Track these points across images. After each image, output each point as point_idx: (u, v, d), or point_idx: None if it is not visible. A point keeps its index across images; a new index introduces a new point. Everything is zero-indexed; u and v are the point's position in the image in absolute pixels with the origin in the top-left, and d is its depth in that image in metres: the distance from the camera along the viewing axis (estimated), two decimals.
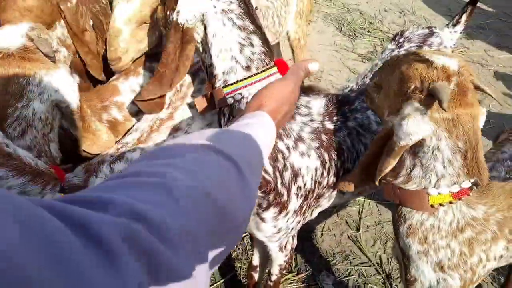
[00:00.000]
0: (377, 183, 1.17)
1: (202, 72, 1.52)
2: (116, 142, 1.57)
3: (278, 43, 2.99)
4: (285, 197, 1.38)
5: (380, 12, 4.92)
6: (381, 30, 4.54)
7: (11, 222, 0.30)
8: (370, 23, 4.66)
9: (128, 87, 1.78)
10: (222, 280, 2.20)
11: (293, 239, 1.65)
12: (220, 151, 0.64)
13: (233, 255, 2.32)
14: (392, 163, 1.11)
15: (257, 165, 0.73)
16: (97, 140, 1.46)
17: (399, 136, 1.06)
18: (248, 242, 2.38)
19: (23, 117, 1.26)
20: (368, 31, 4.51)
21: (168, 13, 1.25)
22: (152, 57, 1.83)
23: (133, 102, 1.70)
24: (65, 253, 0.32)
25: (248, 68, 1.24)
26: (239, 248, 2.36)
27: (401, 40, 1.75)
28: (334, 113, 1.42)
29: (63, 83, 1.29)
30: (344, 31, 4.48)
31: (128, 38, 1.65)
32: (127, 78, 1.79)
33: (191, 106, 1.50)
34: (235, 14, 1.21)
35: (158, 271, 0.42)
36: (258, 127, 0.80)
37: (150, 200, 0.47)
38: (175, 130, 1.48)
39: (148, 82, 1.35)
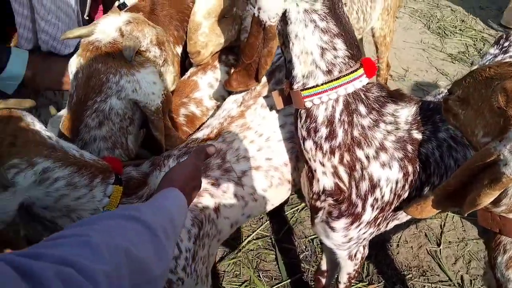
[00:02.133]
0: (465, 215, 0.97)
1: (279, 73, 1.41)
2: (189, 135, 1.51)
3: (360, 39, 2.78)
4: (359, 209, 1.25)
5: (475, 9, 4.41)
6: (475, 29, 4.05)
7: None
8: (463, 21, 4.19)
9: (206, 83, 1.72)
10: (289, 280, 2.07)
11: (364, 248, 1.52)
12: (137, 219, 0.77)
13: (301, 256, 2.18)
14: (494, 195, 0.90)
15: (171, 230, 0.84)
16: (177, 136, 1.43)
17: (511, 166, 0.85)
18: (317, 244, 2.22)
19: (101, 110, 1.24)
20: (460, 29, 4.06)
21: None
22: (228, 51, 1.75)
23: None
24: (5, 281, 0.48)
25: (329, 72, 1.11)
26: (307, 250, 2.21)
27: (506, 44, 1.46)
28: (424, 122, 1.22)
29: (143, 84, 1.24)
30: (433, 29, 4.07)
31: (207, 32, 1.58)
32: (205, 73, 1.73)
33: (264, 106, 1.38)
34: (319, 15, 1.07)
35: None
36: (170, 198, 0.93)
37: (78, 253, 0.62)
38: (246, 128, 1.37)
39: (235, 70, 1.30)
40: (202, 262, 1.30)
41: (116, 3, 1.92)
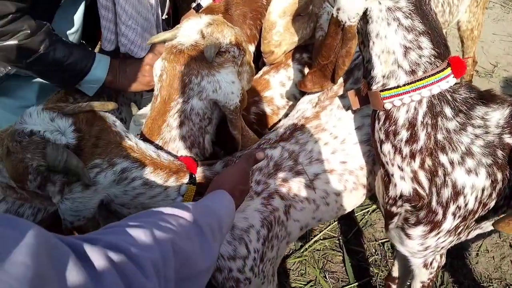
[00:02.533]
0: None
1: (358, 71, 1.36)
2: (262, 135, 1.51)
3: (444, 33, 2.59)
4: (439, 216, 1.17)
5: None
6: None
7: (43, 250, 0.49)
8: None
9: (278, 81, 1.71)
10: (356, 283, 2.01)
11: (441, 257, 1.43)
12: (185, 216, 0.81)
13: (370, 260, 2.10)
14: None
15: (218, 230, 0.88)
16: (249, 136, 1.44)
17: None
18: (388, 249, 2.13)
19: (182, 110, 1.28)
20: None
21: None
22: (302, 49, 1.71)
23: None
24: (63, 259, 0.53)
25: (412, 72, 1.05)
26: (377, 253, 2.13)
27: None
28: None
29: (223, 84, 1.26)
30: None
31: (282, 31, 1.57)
32: (277, 71, 1.71)
33: (340, 106, 1.33)
34: (403, 12, 1.01)
35: (131, 285, 0.62)
36: (219, 200, 0.96)
37: (129, 241, 0.67)
38: (320, 130, 1.33)
39: (310, 71, 1.28)
40: (270, 263, 1.30)
41: (193, 5, 1.97)
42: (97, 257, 0.59)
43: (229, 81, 1.26)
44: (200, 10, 1.91)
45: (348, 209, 1.42)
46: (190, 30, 1.27)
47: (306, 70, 1.71)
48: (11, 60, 1.39)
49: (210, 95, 1.26)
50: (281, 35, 1.56)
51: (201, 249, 0.79)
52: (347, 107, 1.32)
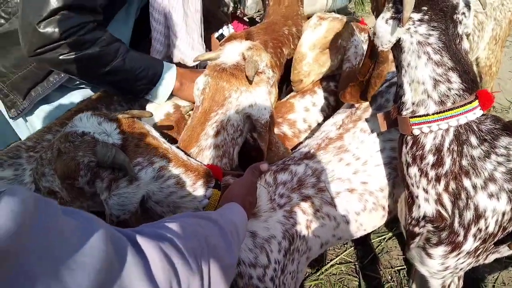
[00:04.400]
0: None
1: (381, 98, 1.41)
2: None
3: None
4: (460, 238, 1.19)
5: None
6: None
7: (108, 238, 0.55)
8: None
9: (303, 106, 1.78)
10: None
11: (459, 280, 1.43)
12: (209, 218, 0.90)
13: (386, 286, 2.09)
14: None
15: (236, 236, 0.94)
16: (277, 152, 1.50)
17: None
18: (404, 276, 2.12)
19: (220, 121, 1.38)
20: None
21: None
22: (330, 77, 1.78)
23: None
24: (124, 249, 0.59)
25: (442, 103, 1.09)
26: (393, 280, 2.12)
27: None
28: None
29: (258, 100, 1.38)
30: None
31: (311, 62, 1.66)
32: (303, 97, 1.79)
33: (363, 130, 1.40)
34: (433, 48, 1.06)
35: (179, 274, 0.68)
36: (233, 211, 1.03)
37: (172, 233, 0.74)
38: (343, 151, 1.38)
39: (351, 84, 1.36)
40: (291, 276, 1.32)
41: (216, 34, 2.10)
42: (148, 247, 0.64)
43: (263, 98, 1.37)
44: (223, 40, 2.04)
45: (368, 229, 1.44)
46: (233, 52, 1.40)
47: (332, 98, 1.79)
48: (89, 70, 1.44)
49: (246, 109, 1.37)
50: (310, 66, 1.65)
51: (225, 245, 0.86)
52: (370, 131, 1.37)
